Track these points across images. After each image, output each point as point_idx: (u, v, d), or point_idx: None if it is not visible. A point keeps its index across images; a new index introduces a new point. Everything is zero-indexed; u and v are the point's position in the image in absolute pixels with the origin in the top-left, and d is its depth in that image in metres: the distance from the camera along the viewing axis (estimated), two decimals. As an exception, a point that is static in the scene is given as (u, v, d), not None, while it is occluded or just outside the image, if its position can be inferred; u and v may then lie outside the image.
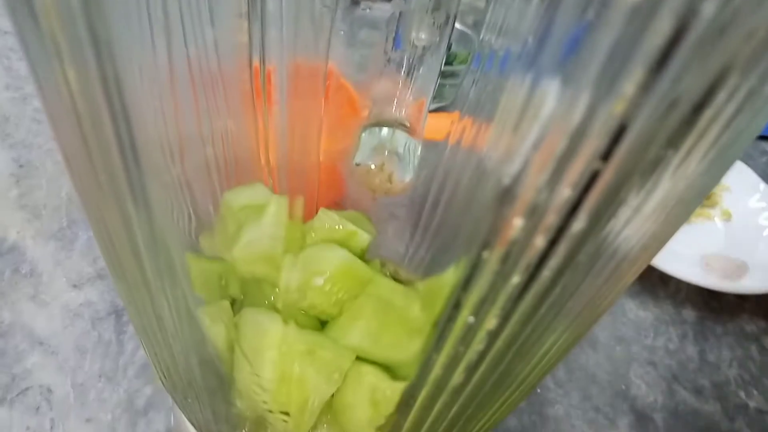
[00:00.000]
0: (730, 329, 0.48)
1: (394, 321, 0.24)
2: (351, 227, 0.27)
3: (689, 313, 0.49)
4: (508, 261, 0.13)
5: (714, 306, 0.49)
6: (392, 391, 0.23)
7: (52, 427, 0.33)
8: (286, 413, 0.22)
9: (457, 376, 0.17)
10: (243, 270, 0.25)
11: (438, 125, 0.30)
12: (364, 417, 0.23)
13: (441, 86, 0.29)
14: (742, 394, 0.44)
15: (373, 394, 0.23)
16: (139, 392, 0.35)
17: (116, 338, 0.38)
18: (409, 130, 0.31)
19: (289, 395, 0.21)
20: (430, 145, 0.30)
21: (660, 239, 0.16)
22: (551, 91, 0.11)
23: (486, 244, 0.13)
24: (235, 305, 0.25)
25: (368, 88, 0.30)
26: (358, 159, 0.31)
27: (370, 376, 0.23)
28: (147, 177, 0.13)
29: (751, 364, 0.46)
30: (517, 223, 0.12)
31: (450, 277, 0.27)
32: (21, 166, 0.47)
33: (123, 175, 0.13)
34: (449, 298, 0.15)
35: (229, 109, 0.26)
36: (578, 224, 0.12)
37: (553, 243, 0.13)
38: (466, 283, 0.14)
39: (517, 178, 0.12)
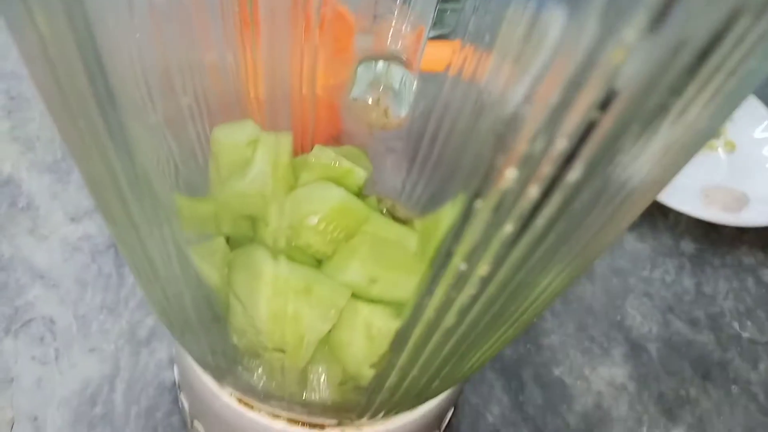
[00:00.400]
0: (728, 261, 0.48)
1: (391, 259, 0.24)
2: (347, 164, 0.26)
3: (687, 245, 0.49)
4: (500, 210, 0.13)
5: (713, 238, 0.49)
6: (387, 327, 0.23)
7: (56, 357, 0.34)
8: (282, 350, 0.22)
9: (450, 318, 0.17)
10: (235, 208, 0.25)
11: (438, 55, 0.29)
12: (360, 353, 0.23)
13: (441, 12, 0.28)
14: (736, 325, 0.44)
15: (369, 331, 0.23)
16: (141, 323, 0.36)
17: (116, 271, 0.38)
18: (406, 63, 0.30)
19: (284, 334, 0.21)
20: (429, 77, 0.29)
21: (660, 183, 0.16)
22: (555, 21, 0.11)
23: (478, 192, 0.12)
24: (230, 244, 0.25)
25: (364, 17, 0.29)
26: (354, 93, 0.31)
27: (366, 312, 0.23)
28: (126, 119, 0.13)
29: (746, 296, 0.46)
30: (511, 173, 0.12)
31: (447, 214, 0.26)
32: (12, 98, 0.46)
33: (100, 119, 0.12)
34: (441, 245, 0.14)
35: (214, 40, 0.25)
36: (574, 174, 0.12)
37: (547, 192, 0.12)
38: (457, 232, 0.14)
39: (513, 120, 0.12)
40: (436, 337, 0.18)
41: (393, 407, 0.24)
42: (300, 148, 0.31)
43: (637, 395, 0.39)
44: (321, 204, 0.24)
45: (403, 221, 0.34)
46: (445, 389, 0.27)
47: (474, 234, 0.13)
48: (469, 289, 0.15)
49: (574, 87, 0.10)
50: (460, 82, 0.27)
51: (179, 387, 0.32)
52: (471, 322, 0.17)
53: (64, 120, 0.13)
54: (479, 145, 0.19)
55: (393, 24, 0.29)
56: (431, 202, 0.32)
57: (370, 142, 0.32)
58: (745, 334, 0.44)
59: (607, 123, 0.11)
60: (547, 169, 0.12)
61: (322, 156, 0.26)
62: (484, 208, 0.13)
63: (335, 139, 0.32)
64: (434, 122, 0.29)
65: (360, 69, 0.30)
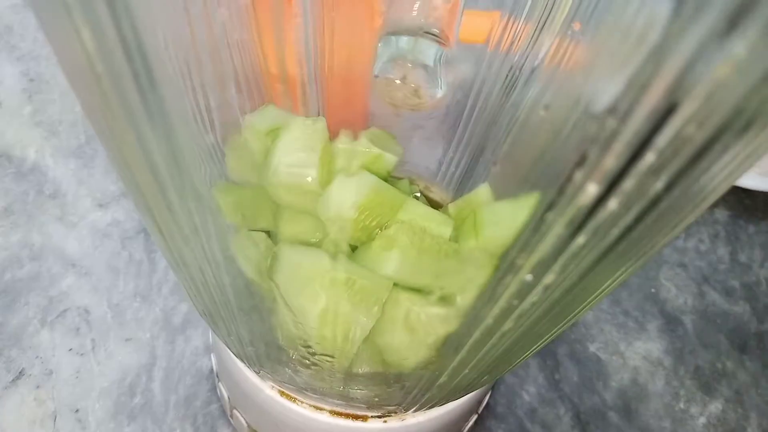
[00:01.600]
0: (763, 228, 0.47)
1: (429, 247, 0.24)
2: (376, 150, 0.25)
3: (721, 213, 0.48)
4: (575, 224, 0.12)
5: (747, 204, 0.48)
6: (427, 315, 0.22)
7: (93, 348, 0.34)
8: (329, 355, 0.22)
9: (509, 323, 0.16)
10: (275, 195, 0.24)
11: (477, 25, 0.27)
12: (402, 344, 0.23)
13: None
14: (772, 294, 0.43)
15: (408, 319, 0.23)
16: (175, 309, 0.36)
17: (147, 257, 0.38)
18: (440, 37, 0.29)
19: (332, 335, 0.21)
20: (466, 49, 0.28)
21: (735, 178, 0.15)
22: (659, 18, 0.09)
23: (552, 205, 0.12)
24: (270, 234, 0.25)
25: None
26: (375, 71, 0.29)
27: (406, 301, 0.23)
28: (164, 99, 0.12)
29: (783, 264, 0.45)
30: (593, 189, 0.11)
31: (481, 194, 0.26)
32: (31, 80, 0.45)
33: (137, 98, 0.11)
34: (504, 257, 0.14)
35: (247, 20, 0.24)
36: (657, 186, 0.11)
37: (627, 205, 0.12)
38: (525, 244, 0.13)
39: (601, 134, 0.11)
40: (492, 341, 0.17)
41: (439, 401, 0.24)
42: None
43: (673, 370, 0.39)
44: (355, 194, 0.23)
45: (438, 203, 0.33)
46: (493, 380, 0.26)
47: (544, 247, 0.13)
48: (532, 298, 0.15)
49: (671, 97, 0.10)
50: (498, 57, 0.26)
51: (217, 376, 0.32)
52: (529, 325, 0.17)
53: (96, 102, 0.12)
54: (555, 159, 0.18)
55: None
56: (465, 180, 0.31)
57: (398, 122, 0.31)
58: (782, 304, 0.43)
59: (700, 136, 0.10)
60: (630, 184, 0.11)
61: (350, 142, 0.26)
62: (557, 221, 0.12)
63: (364, 120, 0.31)
64: (473, 99, 0.28)
65: (380, 45, 0.29)
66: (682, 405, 0.38)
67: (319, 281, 0.22)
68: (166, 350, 0.34)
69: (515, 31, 0.25)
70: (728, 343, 0.41)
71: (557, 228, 0.12)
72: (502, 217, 0.24)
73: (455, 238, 0.24)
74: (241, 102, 0.25)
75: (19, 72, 0.45)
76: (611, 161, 0.10)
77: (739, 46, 0.09)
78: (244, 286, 0.23)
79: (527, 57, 0.25)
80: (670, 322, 0.41)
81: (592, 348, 0.39)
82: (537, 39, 0.24)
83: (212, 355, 0.33)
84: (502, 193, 0.25)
